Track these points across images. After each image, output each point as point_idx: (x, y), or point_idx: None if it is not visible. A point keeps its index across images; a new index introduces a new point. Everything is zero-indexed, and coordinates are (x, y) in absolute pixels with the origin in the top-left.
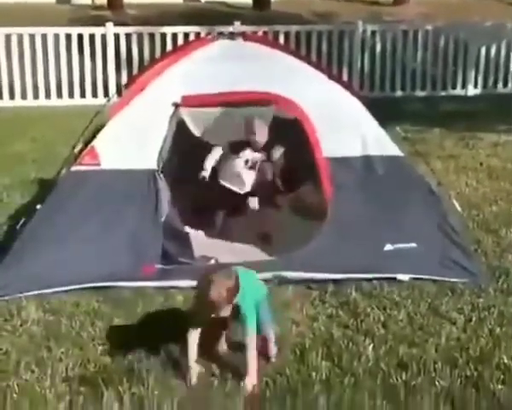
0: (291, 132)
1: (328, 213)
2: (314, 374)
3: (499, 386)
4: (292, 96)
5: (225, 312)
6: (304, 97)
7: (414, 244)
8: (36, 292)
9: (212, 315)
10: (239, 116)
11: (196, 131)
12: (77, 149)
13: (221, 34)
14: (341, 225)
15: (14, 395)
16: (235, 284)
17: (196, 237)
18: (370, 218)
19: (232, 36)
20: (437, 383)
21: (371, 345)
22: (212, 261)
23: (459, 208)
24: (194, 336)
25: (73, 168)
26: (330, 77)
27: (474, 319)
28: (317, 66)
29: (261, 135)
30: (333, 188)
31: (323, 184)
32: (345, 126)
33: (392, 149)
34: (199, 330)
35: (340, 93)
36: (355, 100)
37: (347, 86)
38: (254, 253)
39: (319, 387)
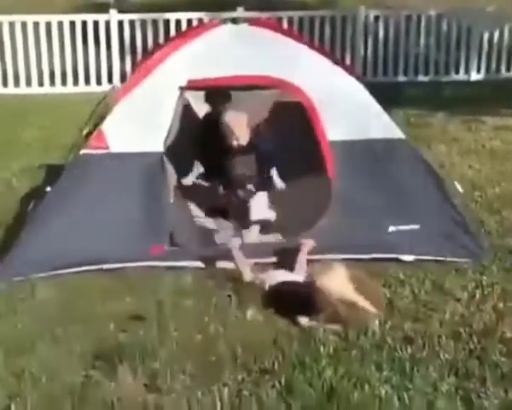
0: (292, 116)
1: (332, 197)
2: (322, 348)
3: (502, 358)
4: (296, 81)
5: None
6: (308, 82)
7: (416, 226)
8: (48, 273)
9: None
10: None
11: (202, 115)
12: (84, 133)
13: (225, 20)
14: (345, 207)
15: (32, 370)
16: None
17: (200, 218)
18: (374, 200)
19: (236, 21)
20: (441, 355)
21: (377, 320)
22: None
23: (462, 190)
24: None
25: (82, 152)
26: (334, 61)
27: (477, 295)
28: (321, 50)
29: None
30: (336, 172)
31: (327, 167)
32: (348, 110)
33: (396, 132)
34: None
35: (344, 77)
36: (358, 84)
37: (351, 71)
38: (259, 235)
39: (327, 360)
